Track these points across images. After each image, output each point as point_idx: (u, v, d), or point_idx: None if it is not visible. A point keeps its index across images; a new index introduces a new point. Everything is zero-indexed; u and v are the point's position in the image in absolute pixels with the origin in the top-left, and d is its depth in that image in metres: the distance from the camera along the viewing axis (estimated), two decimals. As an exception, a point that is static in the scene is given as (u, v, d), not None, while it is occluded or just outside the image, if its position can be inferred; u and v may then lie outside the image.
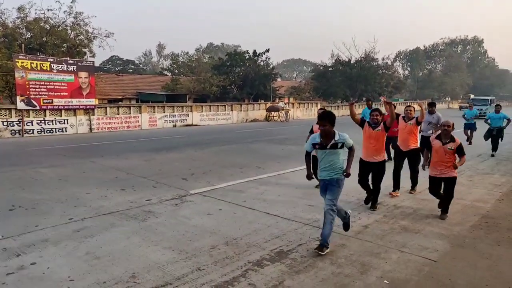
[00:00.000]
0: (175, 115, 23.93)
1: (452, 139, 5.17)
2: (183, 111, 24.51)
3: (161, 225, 4.96)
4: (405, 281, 3.45)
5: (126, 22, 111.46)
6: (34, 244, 4.28)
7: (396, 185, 6.40)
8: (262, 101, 31.25)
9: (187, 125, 24.10)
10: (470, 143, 13.18)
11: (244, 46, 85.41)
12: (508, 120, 11.31)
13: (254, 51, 36.44)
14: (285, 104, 31.11)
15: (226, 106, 27.72)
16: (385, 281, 3.45)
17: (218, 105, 27.33)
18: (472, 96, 48.02)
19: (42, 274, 3.57)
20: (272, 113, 28.95)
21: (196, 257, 3.95)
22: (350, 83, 41.95)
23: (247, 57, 36.46)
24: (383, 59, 47.29)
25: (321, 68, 44.59)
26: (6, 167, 9.17)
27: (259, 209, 5.62)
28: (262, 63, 37.28)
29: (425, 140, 6.57)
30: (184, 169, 8.76)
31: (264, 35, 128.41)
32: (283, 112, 28.78)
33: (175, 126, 23.59)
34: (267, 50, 36.66)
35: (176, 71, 39.42)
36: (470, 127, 13.75)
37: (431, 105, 8.47)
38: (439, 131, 5.49)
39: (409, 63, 68.08)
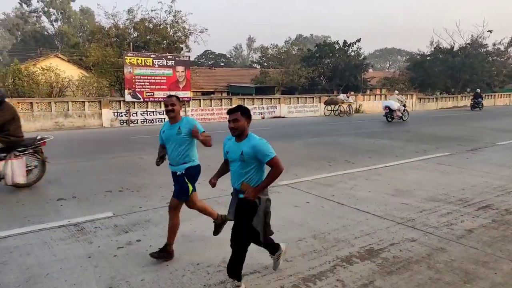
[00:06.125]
0: (263, 107, 24.42)
1: None
2: (271, 103, 24.88)
3: (249, 213, 5.09)
4: (519, 297, 3.02)
5: (219, 17, 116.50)
6: (138, 223, 4.75)
7: None
8: (352, 93, 30.09)
9: (275, 117, 24.42)
10: None
11: (334, 37, 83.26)
12: None
13: (345, 41, 35.28)
14: (348, 96, 26.98)
15: (314, 98, 27.36)
16: (494, 294, 3.06)
17: (306, 97, 27.12)
18: None
19: (146, 251, 3.93)
20: (331, 106, 25.46)
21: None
22: (452, 73, 38.10)
23: (337, 47, 35.47)
24: (494, 44, 41.85)
25: (418, 57, 41.30)
26: (116, 153, 10.35)
27: (348, 204, 5.43)
28: (352, 54, 35.93)
29: None
30: (272, 160, 8.87)
31: (356, 25, 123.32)
32: (343, 106, 25.03)
33: (263, 118, 24.09)
34: (358, 40, 35.19)
35: (265, 64, 40.14)
36: None
37: None
38: None
39: (528, 48, 59.06)
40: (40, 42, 45.73)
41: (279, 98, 25.77)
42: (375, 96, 32.12)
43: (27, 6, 49.02)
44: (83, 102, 19.20)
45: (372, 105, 29.89)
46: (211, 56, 60.28)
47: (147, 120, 20.30)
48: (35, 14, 49.98)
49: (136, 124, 19.80)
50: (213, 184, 3.39)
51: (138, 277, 3.39)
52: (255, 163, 2.98)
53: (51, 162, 6.89)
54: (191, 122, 3.78)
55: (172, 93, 20.67)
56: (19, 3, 48.45)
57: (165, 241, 3.78)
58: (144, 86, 20.13)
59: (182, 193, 3.77)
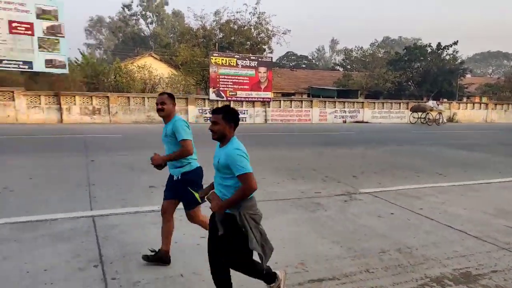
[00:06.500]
0: (345, 111, 23.78)
1: None
2: (353, 107, 24.12)
3: (329, 218, 4.96)
4: None
5: (302, 19, 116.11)
6: (220, 216, 4.90)
7: None
8: (445, 100, 27.81)
9: (357, 122, 23.63)
10: None
11: (425, 39, 77.83)
12: None
13: (438, 44, 32.75)
14: (439, 104, 24.86)
15: (401, 103, 25.88)
16: None
17: (391, 103, 25.80)
18: None
19: (226, 244, 4.04)
20: (417, 113, 23.67)
21: (365, 258, 3.78)
22: None
23: (429, 50, 33.05)
24: None
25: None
26: (200, 147, 10.83)
27: (438, 220, 4.99)
28: (447, 57, 33.17)
29: None
30: (354, 166, 8.57)
31: (451, 26, 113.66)
32: (432, 113, 23.05)
33: (344, 122, 23.45)
34: (455, 43, 32.41)
35: (349, 67, 39.05)
36: None
37: None
38: None
39: None
40: (138, 42, 50.17)
41: (362, 102, 24.87)
42: (473, 104, 29.24)
43: (128, 10, 54.20)
44: (172, 98, 20.56)
45: (469, 114, 27.30)
46: (292, 57, 60.47)
47: (229, 118, 21.07)
48: (135, 18, 55.08)
49: (219, 122, 20.65)
50: (200, 199, 3.10)
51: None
52: (231, 174, 2.60)
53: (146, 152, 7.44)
54: (175, 125, 3.41)
55: (253, 93, 21.45)
56: (122, 7, 53.82)
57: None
58: (227, 85, 20.91)
59: (190, 204, 3.45)
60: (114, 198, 5.54)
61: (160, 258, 3.46)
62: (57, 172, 7.09)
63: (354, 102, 24.61)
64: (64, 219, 4.54)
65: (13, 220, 4.44)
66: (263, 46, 28.27)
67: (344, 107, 23.76)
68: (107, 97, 19.09)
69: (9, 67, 17.07)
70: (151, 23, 54.90)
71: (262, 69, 21.80)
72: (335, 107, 23.42)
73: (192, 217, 3.56)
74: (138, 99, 19.85)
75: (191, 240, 4.11)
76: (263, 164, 8.67)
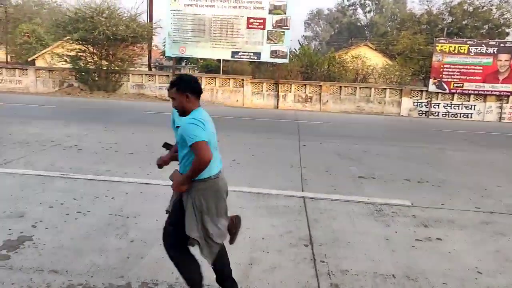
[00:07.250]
0: None
1: None
2: None
3: None
4: None
5: None
6: (440, 221, 4.24)
7: None
8: None
9: None
10: None
11: None
12: None
13: None
14: None
15: None
16: None
17: None
18: None
19: (448, 253, 3.44)
20: None
21: None
22: None
23: None
24: None
25: None
26: (415, 142, 9.93)
27: None
28: None
29: None
30: None
31: None
32: None
33: None
34: None
35: None
36: None
37: None
38: None
39: None
40: (353, 32, 50.08)
41: None
42: None
43: (347, 1, 54.57)
44: (385, 89, 19.63)
45: None
46: (548, 41, 47.56)
47: (450, 114, 18.49)
48: (353, 7, 55.09)
49: (436, 117, 18.44)
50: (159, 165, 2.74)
51: (438, 279, 2.98)
52: (188, 147, 2.30)
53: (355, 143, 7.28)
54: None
55: (487, 85, 18.04)
56: (341, -2, 54.72)
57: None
58: (452, 76, 18.31)
59: None
60: (324, 183, 5.60)
61: None
62: (274, 152, 7.74)
63: None
64: (279, 196, 4.87)
65: (238, 189, 4.98)
66: (506, 30, 23.31)
67: None
68: (320, 85, 19.86)
69: (242, 58, 20.06)
70: (369, 11, 53.85)
71: (504, 57, 17.93)
72: None
73: None
74: (350, 88, 19.84)
75: (405, 240, 3.68)
76: (497, 169, 7.12)
